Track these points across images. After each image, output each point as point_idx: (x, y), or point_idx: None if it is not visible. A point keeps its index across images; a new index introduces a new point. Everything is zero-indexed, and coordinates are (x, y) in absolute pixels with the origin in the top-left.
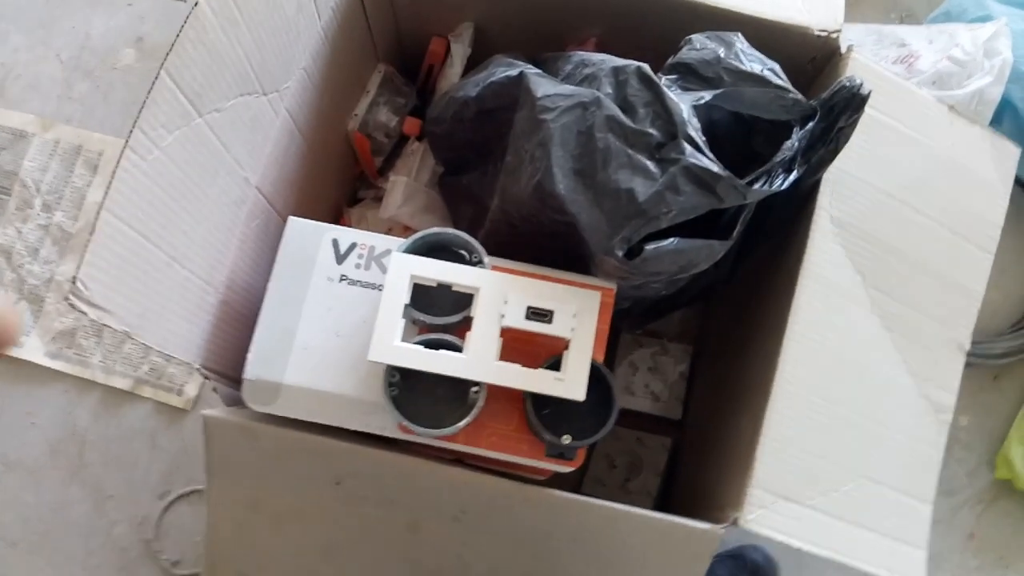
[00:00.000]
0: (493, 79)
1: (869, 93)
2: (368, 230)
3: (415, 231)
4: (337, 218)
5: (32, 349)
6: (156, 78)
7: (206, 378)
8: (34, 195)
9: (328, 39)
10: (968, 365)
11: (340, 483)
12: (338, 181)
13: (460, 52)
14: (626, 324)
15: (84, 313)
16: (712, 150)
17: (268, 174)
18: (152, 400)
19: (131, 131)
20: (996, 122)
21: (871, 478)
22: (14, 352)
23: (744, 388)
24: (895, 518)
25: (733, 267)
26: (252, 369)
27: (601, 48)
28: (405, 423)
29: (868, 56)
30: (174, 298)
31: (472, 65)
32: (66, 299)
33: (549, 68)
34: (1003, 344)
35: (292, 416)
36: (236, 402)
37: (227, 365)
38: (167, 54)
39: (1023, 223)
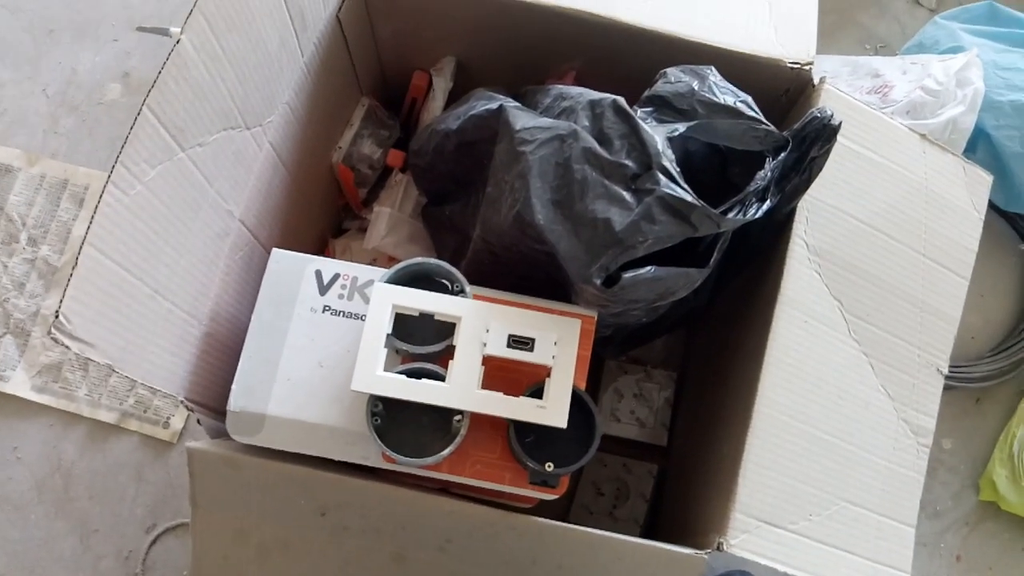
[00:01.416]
0: (473, 112)
1: (840, 123)
2: (353, 261)
3: (399, 261)
4: (322, 249)
5: (18, 383)
6: (138, 114)
7: (190, 411)
8: (20, 229)
9: (311, 74)
10: (950, 389)
11: (325, 514)
12: (323, 212)
13: (442, 86)
14: (608, 351)
15: (67, 347)
16: (689, 180)
17: (252, 207)
18: (138, 433)
19: (113, 166)
20: (970, 150)
21: (853, 502)
22: (0, 386)
23: (726, 414)
24: (878, 541)
25: (712, 295)
26: (236, 401)
27: (580, 81)
28: (388, 453)
29: (842, 87)
30: (157, 331)
31: (454, 98)
32: (49, 333)
33: (528, 101)
34: (984, 368)
35: (276, 447)
36: (221, 434)
37: (211, 397)
38: (149, 90)
39: (1002, 249)
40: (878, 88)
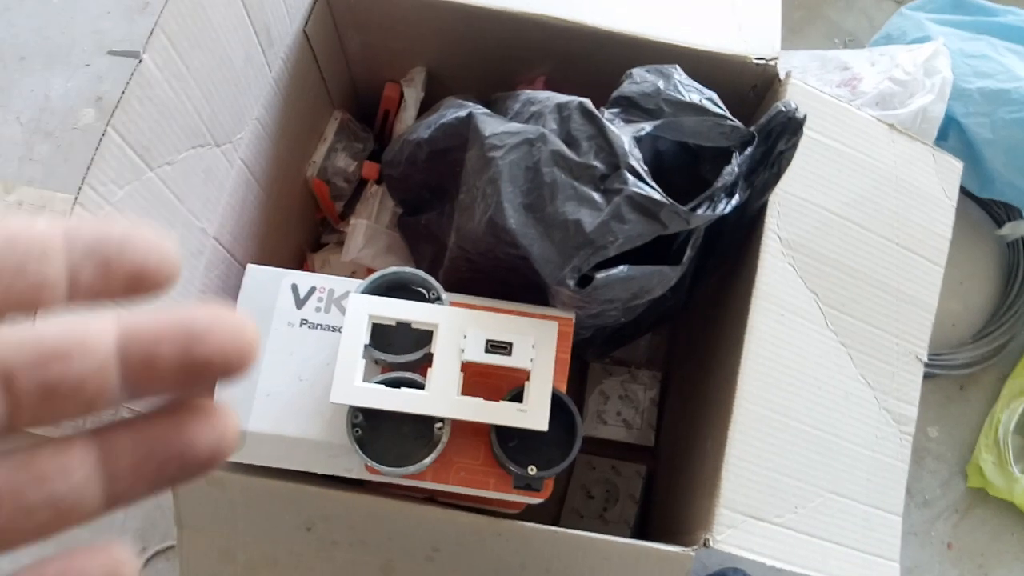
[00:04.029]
0: (443, 120)
1: (804, 117)
2: (332, 274)
3: None
4: (301, 263)
5: None
6: (103, 135)
7: None
8: None
9: (280, 89)
10: (934, 376)
11: (311, 528)
12: (299, 227)
13: (413, 96)
14: (590, 353)
15: None
16: (660, 180)
17: (226, 224)
18: None
19: (79, 188)
20: (942, 138)
21: (838, 493)
22: None
23: (707, 410)
24: (865, 531)
25: (689, 292)
26: None
27: (550, 85)
28: (371, 464)
29: (812, 81)
30: None
31: (426, 108)
32: None
33: (498, 108)
34: (966, 354)
35: (259, 463)
36: None
37: None
38: (113, 111)
39: (978, 235)
40: (847, 81)
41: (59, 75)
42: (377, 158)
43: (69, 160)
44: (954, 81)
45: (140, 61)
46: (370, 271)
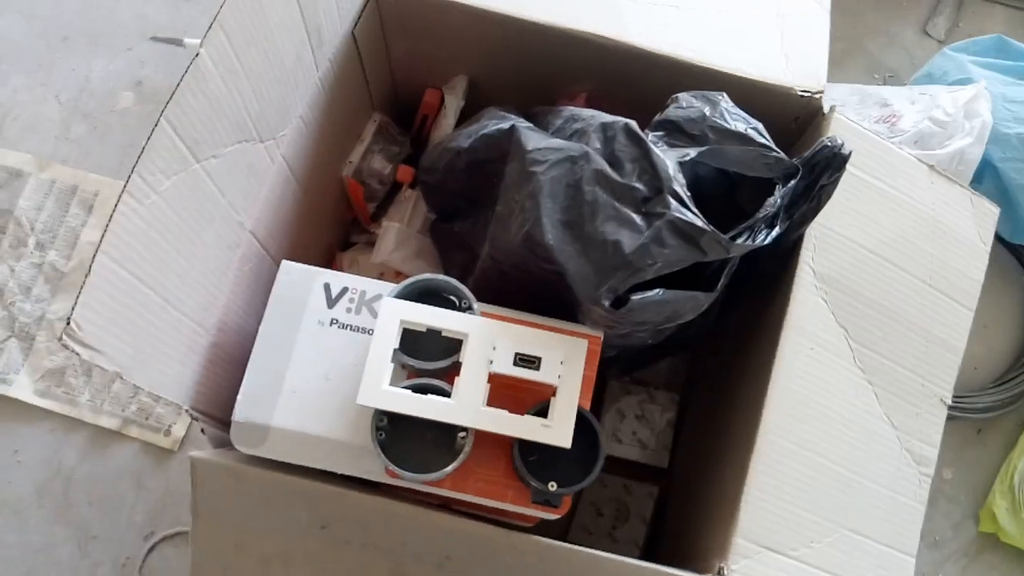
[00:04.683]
0: (485, 131)
1: (850, 153)
2: (360, 274)
3: (407, 276)
4: (330, 261)
5: (21, 387)
6: (156, 125)
7: (195, 419)
8: (28, 234)
9: (325, 89)
10: (952, 419)
11: (326, 527)
12: (331, 225)
13: (454, 104)
14: (613, 371)
15: (77, 353)
16: (697, 204)
17: (263, 218)
18: (139, 440)
19: (129, 176)
20: (977, 181)
21: (854, 530)
22: (2, 390)
23: (729, 438)
24: (879, 570)
25: (719, 318)
26: (241, 411)
27: (591, 103)
28: (392, 468)
29: (851, 115)
30: (166, 340)
31: (465, 116)
32: (59, 339)
33: (540, 122)
34: (987, 398)
35: (280, 459)
36: (224, 444)
37: (216, 407)
38: (167, 102)
39: (1005, 279)
40: (886, 117)
41: (101, 57)
42: (412, 162)
43: (105, 142)
44: (993, 125)
45: (198, 54)
46: (399, 274)
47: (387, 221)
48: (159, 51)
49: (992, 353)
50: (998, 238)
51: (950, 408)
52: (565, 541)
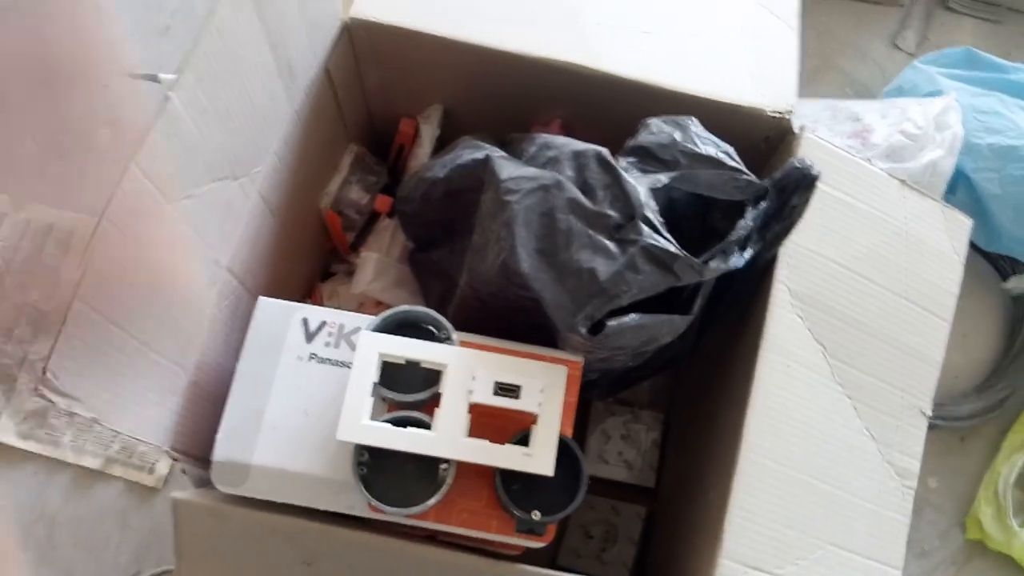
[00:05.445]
0: (460, 161)
1: (819, 173)
2: (340, 305)
3: (387, 306)
4: (309, 293)
5: (3, 429)
6: (125, 171)
7: (175, 460)
8: (6, 274)
9: (300, 122)
10: (935, 428)
11: (311, 564)
12: (310, 257)
13: (429, 133)
14: (595, 394)
15: (53, 403)
16: (671, 227)
17: (239, 255)
18: (123, 479)
19: (98, 222)
20: (950, 192)
21: (839, 545)
22: None
23: (711, 458)
24: None
25: (697, 339)
26: (221, 450)
27: (565, 129)
28: (374, 503)
29: (823, 131)
30: (144, 383)
31: (441, 144)
32: (35, 389)
33: (514, 149)
34: (968, 406)
35: (261, 497)
36: (206, 483)
37: (196, 446)
38: (138, 148)
39: (983, 288)
40: (859, 132)
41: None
42: (390, 192)
43: (82, 180)
44: (964, 136)
45: (167, 99)
46: (379, 304)
47: (366, 251)
48: (135, 87)
49: (972, 361)
50: (974, 247)
51: (932, 417)
52: (554, 565)
